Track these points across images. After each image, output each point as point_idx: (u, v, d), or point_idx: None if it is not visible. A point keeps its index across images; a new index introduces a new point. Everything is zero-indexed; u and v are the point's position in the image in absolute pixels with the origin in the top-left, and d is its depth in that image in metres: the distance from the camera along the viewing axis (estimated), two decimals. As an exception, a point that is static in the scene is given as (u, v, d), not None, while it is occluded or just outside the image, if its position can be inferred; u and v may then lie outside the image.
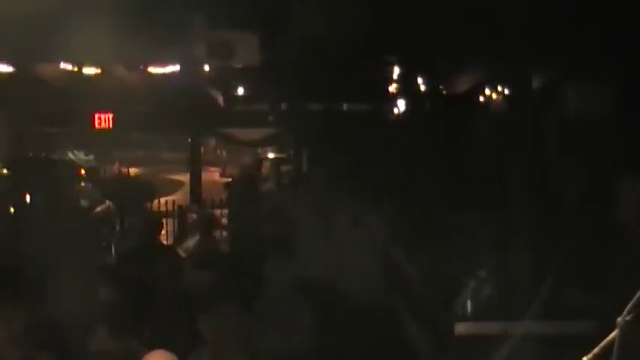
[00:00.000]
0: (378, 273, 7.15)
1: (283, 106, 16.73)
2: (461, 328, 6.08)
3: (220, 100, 16.53)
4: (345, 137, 14.24)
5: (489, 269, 6.33)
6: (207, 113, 15.69)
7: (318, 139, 14.96)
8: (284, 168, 17.58)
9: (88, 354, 6.72)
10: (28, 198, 15.95)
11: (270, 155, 20.96)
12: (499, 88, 13.62)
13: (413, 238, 7.79)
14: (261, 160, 18.38)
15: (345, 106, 17.18)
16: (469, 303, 6.32)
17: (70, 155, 24.70)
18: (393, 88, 16.34)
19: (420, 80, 15.46)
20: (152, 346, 3.60)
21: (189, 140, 19.60)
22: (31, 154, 20.31)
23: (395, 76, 16.07)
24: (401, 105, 16.71)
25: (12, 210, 14.73)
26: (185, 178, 23.08)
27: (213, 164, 28.80)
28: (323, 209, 7.84)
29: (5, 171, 18.40)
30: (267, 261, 6.76)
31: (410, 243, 7.70)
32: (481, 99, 14.11)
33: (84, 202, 16.57)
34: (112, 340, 6.37)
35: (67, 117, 16.41)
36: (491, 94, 13.97)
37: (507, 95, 13.08)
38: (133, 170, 24.48)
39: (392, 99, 16.61)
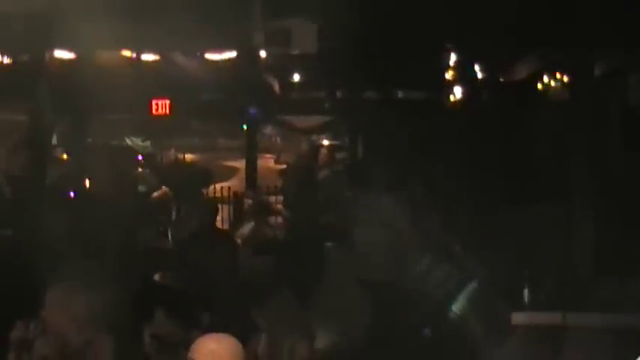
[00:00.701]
0: (435, 263, 7.11)
1: (339, 93, 16.70)
2: (518, 318, 6.02)
3: (277, 86, 16.56)
4: (401, 125, 14.16)
5: (550, 261, 6.25)
6: (264, 100, 15.73)
7: (374, 127, 14.90)
8: (339, 155, 17.55)
9: (146, 339, 6.81)
10: (87, 183, 16.18)
11: (326, 142, 20.94)
12: (558, 76, 13.41)
13: (470, 229, 7.72)
14: (316, 147, 18.37)
15: (401, 94, 17.08)
16: (527, 293, 6.26)
17: (128, 142, 24.96)
18: (449, 75, 16.19)
19: (477, 68, 15.29)
20: (210, 332, 3.60)
21: (245, 127, 19.70)
22: (89, 140, 20.58)
23: (452, 64, 15.92)
24: (457, 93, 16.55)
25: (72, 195, 14.96)
26: (240, 164, 23.18)
27: (268, 151, 28.87)
28: (379, 197, 7.81)
29: (65, 156, 18.68)
30: (323, 249, 6.77)
31: (468, 234, 7.64)
32: (539, 87, 13.91)
33: (141, 188, 16.77)
34: (170, 325, 6.44)
35: (126, 103, 16.59)
36: (549, 82, 13.77)
37: (567, 83, 12.87)
38: (189, 157, 24.67)
39: (449, 87, 16.46)
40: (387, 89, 16.26)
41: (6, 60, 12.86)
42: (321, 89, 17.10)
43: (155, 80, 14.51)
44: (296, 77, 16.78)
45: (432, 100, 16.51)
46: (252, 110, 16.61)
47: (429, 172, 9.57)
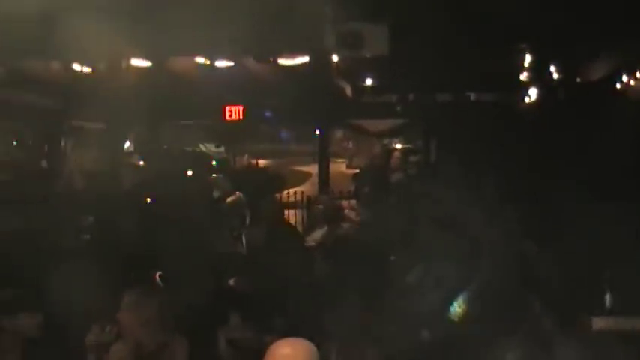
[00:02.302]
0: (513, 268, 6.96)
1: (412, 96, 16.58)
2: (599, 324, 5.86)
3: (349, 90, 16.54)
4: (475, 127, 13.99)
5: (630, 263, 6.07)
6: (336, 104, 15.72)
7: (446, 130, 14.77)
8: (412, 159, 17.44)
9: (221, 343, 6.85)
10: (163, 189, 16.42)
11: (398, 146, 20.85)
12: (637, 75, 13.09)
13: (549, 231, 7.55)
14: (389, 150, 18.31)
15: (474, 96, 16.88)
16: (608, 297, 6.09)
17: (202, 148, 25.29)
18: (524, 76, 15.93)
19: (552, 68, 15.01)
20: (283, 336, 3.58)
21: (317, 132, 19.73)
22: (165, 147, 20.93)
23: (526, 64, 15.65)
24: (533, 94, 16.28)
25: (147, 200, 15.20)
26: (313, 169, 23.26)
27: (340, 156, 28.91)
28: (453, 200, 7.70)
29: (142, 163, 19.03)
30: (396, 253, 6.71)
31: (546, 236, 7.47)
32: (618, 86, 13.58)
33: (215, 193, 16.95)
34: (244, 329, 6.47)
35: (199, 110, 16.79)
36: (628, 81, 13.44)
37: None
38: (262, 162, 24.88)
39: (523, 88, 16.20)
40: (461, 91, 16.09)
41: (85, 69, 13.13)
42: (393, 92, 17.00)
43: (228, 86, 14.63)
44: (368, 81, 16.71)
45: (506, 102, 16.27)
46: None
47: (503, 174, 9.41)
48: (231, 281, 8.29)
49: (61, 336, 4.81)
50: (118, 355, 4.66)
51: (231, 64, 13.29)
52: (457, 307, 6.02)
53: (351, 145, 33.26)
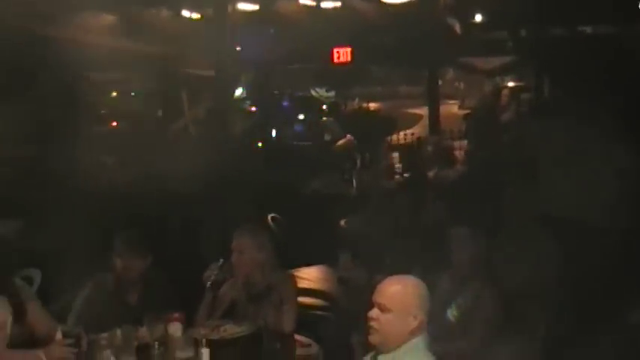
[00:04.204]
0: (623, 208, 6.73)
1: (523, 31, 16.10)
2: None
3: (458, 28, 16.20)
4: (591, 63, 13.48)
5: None
6: (445, 43, 15.45)
7: (560, 66, 14.28)
8: (524, 96, 17.02)
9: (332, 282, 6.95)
10: (274, 133, 16.64)
11: (510, 84, 20.35)
12: None
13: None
14: (500, 89, 17.91)
15: (590, 29, 16.26)
16: None
17: (312, 92, 25.35)
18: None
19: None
20: (393, 274, 3.58)
21: (427, 73, 19.44)
22: (276, 92, 21.10)
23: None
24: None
25: (260, 145, 15.44)
26: (423, 111, 23.00)
27: (451, 97, 28.48)
28: (565, 139, 7.49)
29: (253, 108, 19.27)
30: (508, 191, 6.59)
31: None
32: None
33: (326, 137, 17.06)
34: (355, 268, 6.52)
35: (307, 53, 16.81)
36: None
37: None
38: (372, 105, 24.78)
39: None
40: (575, 25, 15.51)
41: (193, 15, 13.31)
42: (503, 28, 16.54)
43: (335, 28, 14.58)
44: (477, 17, 16.32)
45: (626, 35, 15.60)
46: (285, 103, 16.50)
47: (619, 111, 9.05)
48: (342, 222, 8.37)
49: (175, 276, 4.95)
50: (230, 293, 4.76)
51: (338, 4, 13.22)
52: None
53: (462, 85, 32.71)
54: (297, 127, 17.80)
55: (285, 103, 18.81)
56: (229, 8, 12.79)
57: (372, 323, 3.35)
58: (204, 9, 13.05)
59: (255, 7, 13.00)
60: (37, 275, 5.58)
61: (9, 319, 3.25)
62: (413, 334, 3.32)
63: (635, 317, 5.28)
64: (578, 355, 4.93)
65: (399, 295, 3.36)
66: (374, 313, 3.35)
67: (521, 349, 4.47)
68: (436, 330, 3.59)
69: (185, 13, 13.27)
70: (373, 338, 3.35)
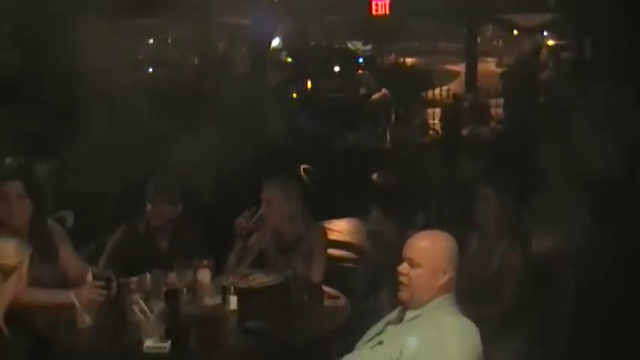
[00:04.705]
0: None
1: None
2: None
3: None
4: (636, 25, 13.16)
5: None
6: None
7: (602, 26, 13.98)
8: (564, 56, 16.74)
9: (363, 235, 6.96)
10: (309, 84, 16.60)
11: (550, 42, 20.04)
12: None
13: None
14: (539, 47, 17.63)
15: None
16: None
17: (349, 45, 25.19)
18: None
19: None
20: (423, 229, 3.56)
21: (466, 29, 19.18)
22: (312, 43, 20.98)
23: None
24: None
25: (294, 95, 15.41)
26: (461, 68, 22.77)
27: (489, 54, 28.18)
28: (606, 97, 7.38)
29: (290, 59, 19.21)
30: (541, 150, 6.51)
31: None
32: None
33: (362, 90, 16.98)
34: (386, 223, 6.52)
35: (346, 4, 16.65)
36: None
37: None
38: (409, 60, 24.57)
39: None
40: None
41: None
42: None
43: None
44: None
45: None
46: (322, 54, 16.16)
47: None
48: (375, 176, 8.36)
49: (207, 223, 4.98)
50: (259, 243, 4.79)
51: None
52: None
53: (500, 43, 32.31)
54: (333, 80, 17.75)
55: (321, 55, 18.73)
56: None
57: (402, 278, 3.33)
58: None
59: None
60: (69, 217, 5.65)
61: (26, 260, 3.31)
62: (442, 289, 3.29)
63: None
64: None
65: (428, 249, 3.33)
66: (403, 268, 3.33)
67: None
68: (464, 290, 3.56)
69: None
70: (402, 294, 3.33)
